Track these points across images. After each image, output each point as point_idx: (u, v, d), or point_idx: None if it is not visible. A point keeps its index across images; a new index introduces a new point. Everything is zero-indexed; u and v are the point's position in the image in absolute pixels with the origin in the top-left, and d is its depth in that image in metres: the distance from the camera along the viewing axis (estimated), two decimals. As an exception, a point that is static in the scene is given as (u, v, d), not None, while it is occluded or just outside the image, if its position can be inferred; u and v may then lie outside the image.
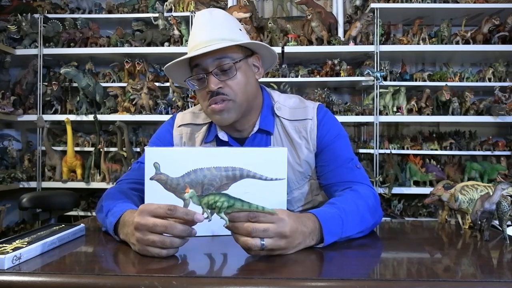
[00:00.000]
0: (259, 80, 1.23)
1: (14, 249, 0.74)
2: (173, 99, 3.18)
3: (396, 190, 3.05)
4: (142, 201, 1.03)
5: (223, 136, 1.21)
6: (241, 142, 1.21)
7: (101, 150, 3.20)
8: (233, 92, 1.11)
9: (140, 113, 3.20)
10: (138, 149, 3.25)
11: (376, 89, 3.05)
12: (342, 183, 1.12)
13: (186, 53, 1.15)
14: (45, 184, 3.25)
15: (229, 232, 0.93)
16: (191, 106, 3.08)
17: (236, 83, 1.11)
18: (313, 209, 0.93)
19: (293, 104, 1.23)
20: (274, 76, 3.16)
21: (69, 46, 3.30)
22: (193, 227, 0.80)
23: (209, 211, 0.80)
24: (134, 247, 0.82)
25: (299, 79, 3.15)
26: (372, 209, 1.01)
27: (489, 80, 3.12)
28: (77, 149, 3.27)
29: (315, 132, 1.18)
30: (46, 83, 3.33)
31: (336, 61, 3.15)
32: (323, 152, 1.18)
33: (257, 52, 1.20)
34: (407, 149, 3.13)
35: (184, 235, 0.79)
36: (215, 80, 1.10)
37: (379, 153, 3.10)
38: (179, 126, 1.26)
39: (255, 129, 1.19)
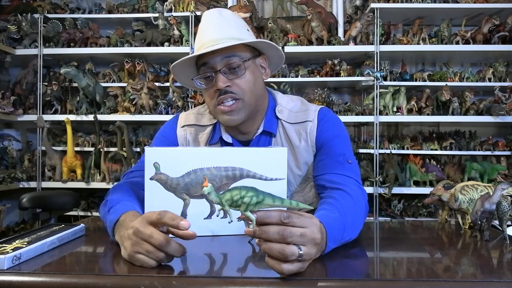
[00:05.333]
0: None
1: (14, 249, 0.74)
2: (173, 99, 3.18)
3: (396, 190, 3.05)
4: None
5: (227, 138, 1.20)
6: (245, 144, 1.21)
7: (101, 150, 3.20)
8: (241, 91, 1.10)
9: (140, 113, 3.20)
10: (138, 149, 3.25)
11: (376, 89, 3.05)
12: (329, 174, 1.08)
13: (187, 53, 1.15)
14: (45, 184, 3.25)
15: (228, 232, 0.93)
16: (191, 107, 3.08)
17: (244, 82, 1.10)
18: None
19: (295, 107, 1.22)
20: (274, 76, 3.15)
21: (69, 46, 3.31)
22: (192, 229, 0.75)
23: (230, 210, 0.70)
24: (125, 251, 0.77)
25: (299, 79, 3.15)
26: (364, 210, 1.01)
27: (489, 80, 3.12)
28: (77, 149, 3.27)
29: (314, 133, 1.17)
30: (46, 83, 3.34)
31: (336, 61, 3.15)
32: (320, 150, 1.16)
33: (264, 53, 1.20)
34: (407, 149, 3.13)
35: (176, 255, 0.74)
36: (223, 78, 1.09)
37: (379, 153, 3.10)
38: (183, 126, 1.25)
39: (260, 131, 1.19)
